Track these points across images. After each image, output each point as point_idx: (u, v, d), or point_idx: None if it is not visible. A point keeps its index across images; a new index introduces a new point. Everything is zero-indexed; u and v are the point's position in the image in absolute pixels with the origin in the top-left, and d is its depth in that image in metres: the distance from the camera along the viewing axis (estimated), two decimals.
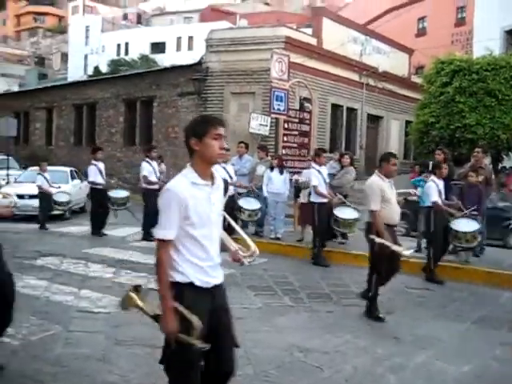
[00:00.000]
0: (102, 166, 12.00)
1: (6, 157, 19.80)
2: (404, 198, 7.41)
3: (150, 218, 10.53)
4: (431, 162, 9.84)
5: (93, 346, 4.89)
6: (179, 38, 44.62)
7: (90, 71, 43.37)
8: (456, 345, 5.44)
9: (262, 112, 17.69)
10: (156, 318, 2.98)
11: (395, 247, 5.90)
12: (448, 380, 4.53)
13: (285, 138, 12.92)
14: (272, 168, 10.69)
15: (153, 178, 10.98)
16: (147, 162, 11.13)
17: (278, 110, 12.59)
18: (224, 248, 3.22)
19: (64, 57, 54.50)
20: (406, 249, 6.27)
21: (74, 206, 15.86)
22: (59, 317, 5.64)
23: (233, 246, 3.35)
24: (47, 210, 12.78)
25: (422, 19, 34.67)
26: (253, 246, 3.38)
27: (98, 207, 11.62)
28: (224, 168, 9.44)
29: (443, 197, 8.30)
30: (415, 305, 6.49)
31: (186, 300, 2.88)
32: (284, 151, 12.70)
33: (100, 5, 61.94)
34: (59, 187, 13.60)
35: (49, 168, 13.57)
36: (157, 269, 2.91)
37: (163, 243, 2.90)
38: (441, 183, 8.30)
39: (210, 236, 2.99)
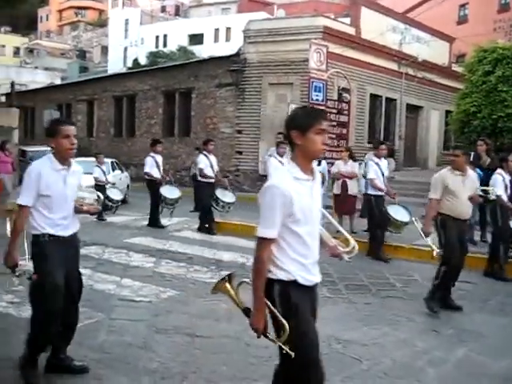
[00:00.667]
0: (159, 159, 11.71)
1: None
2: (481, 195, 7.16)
3: (204, 210, 10.94)
4: (473, 153, 9.61)
5: (134, 333, 5.01)
6: (217, 30, 44.72)
7: (130, 63, 43.97)
8: (498, 339, 5.35)
9: (300, 102, 17.64)
10: (244, 310, 3.00)
11: (429, 241, 6.11)
12: (489, 374, 4.47)
13: None
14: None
15: (208, 172, 10.84)
16: (204, 154, 11.02)
17: (317, 100, 12.57)
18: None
19: (104, 50, 55.40)
20: (437, 248, 6.24)
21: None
22: (102, 305, 5.79)
23: (331, 241, 3.26)
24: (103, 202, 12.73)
25: (463, 6, 33.82)
26: (352, 241, 3.29)
27: (156, 198, 11.39)
28: (280, 162, 9.67)
29: (509, 192, 7.92)
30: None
31: (292, 298, 2.83)
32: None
33: None
34: (114, 184, 13.65)
35: (90, 159, 13.77)
36: (256, 266, 2.86)
37: (265, 241, 2.81)
38: (507, 177, 7.93)
39: (312, 232, 2.92)
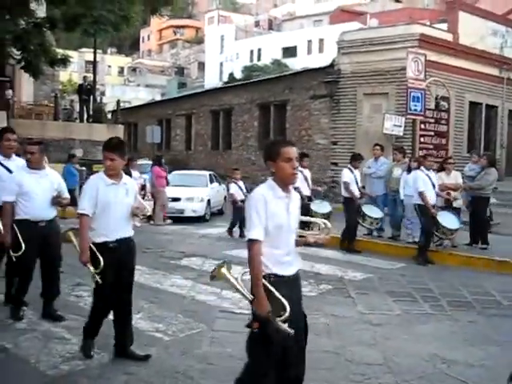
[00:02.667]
0: (307, 173, 11.06)
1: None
2: None
3: (350, 229, 10.31)
4: None
5: (235, 345, 5.09)
6: (310, 42, 44.92)
7: (225, 78, 45.12)
8: None
9: (396, 112, 17.32)
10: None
11: None
12: None
13: (421, 139, 12.57)
14: (409, 170, 10.43)
15: (353, 187, 10.32)
16: (349, 168, 10.51)
17: (415, 110, 12.31)
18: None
19: (201, 65, 57.28)
20: None
21: (213, 208, 16.63)
22: (204, 316, 5.96)
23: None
24: (237, 220, 11.98)
25: None
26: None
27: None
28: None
29: None
30: None
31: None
32: (421, 153, 12.34)
33: (233, 14, 64.20)
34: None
35: (188, 172, 14.15)
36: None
37: None
38: None
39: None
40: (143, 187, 14.04)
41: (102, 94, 43.03)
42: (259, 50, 47.96)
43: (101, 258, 4.38)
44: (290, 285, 3.34)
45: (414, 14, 35.59)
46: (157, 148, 26.48)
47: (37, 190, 5.34)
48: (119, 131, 21.01)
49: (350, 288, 7.37)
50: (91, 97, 21.18)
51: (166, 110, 32.43)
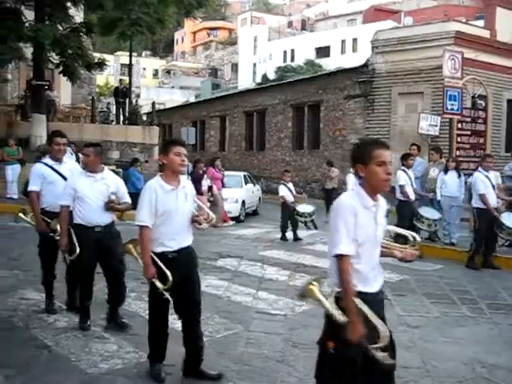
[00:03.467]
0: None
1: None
2: None
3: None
4: None
5: (271, 346, 5.12)
6: (343, 41, 44.65)
7: (259, 79, 45.23)
8: None
9: (431, 112, 17.07)
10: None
11: None
12: None
13: (458, 139, 12.37)
14: (446, 170, 10.27)
15: (408, 189, 9.75)
16: (403, 170, 9.88)
17: (452, 109, 12.12)
18: None
19: (234, 67, 57.51)
20: None
21: (247, 209, 16.67)
22: (240, 317, 5.98)
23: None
24: (286, 221, 11.58)
25: None
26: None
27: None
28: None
29: None
30: None
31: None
32: (458, 152, 12.15)
33: (266, 15, 64.27)
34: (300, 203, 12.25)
35: (234, 173, 13.79)
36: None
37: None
38: None
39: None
40: (210, 188, 13.66)
41: (138, 96, 43.53)
42: (292, 50, 47.90)
43: (169, 274, 4.06)
44: (374, 303, 3.02)
45: (449, 10, 35.07)
46: (192, 149, 26.68)
47: (90, 194, 5.17)
48: (154, 133, 21.26)
49: (386, 290, 7.27)
50: (127, 99, 21.49)
51: (200, 112, 32.69)
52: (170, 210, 4.11)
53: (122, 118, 21.41)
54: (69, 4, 16.02)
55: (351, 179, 10.35)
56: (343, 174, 15.83)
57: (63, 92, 23.99)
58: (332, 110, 22.83)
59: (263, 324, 5.77)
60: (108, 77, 50.42)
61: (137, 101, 26.39)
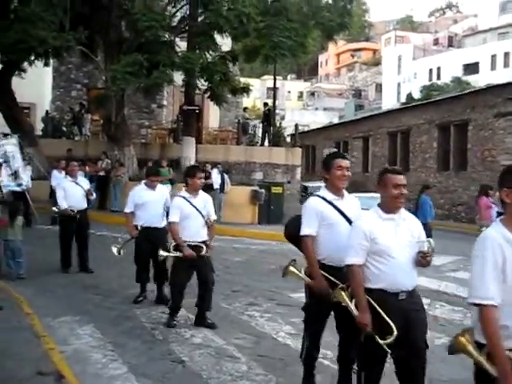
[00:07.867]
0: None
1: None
2: None
3: None
4: None
5: None
6: (494, 56, 42.16)
7: (403, 99, 44.13)
8: None
9: None
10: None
11: None
12: None
13: None
14: None
15: None
16: None
17: None
18: None
19: (378, 87, 56.82)
20: None
21: None
22: None
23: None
24: None
25: None
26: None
27: None
28: None
29: None
30: None
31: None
32: None
33: (411, 33, 62.74)
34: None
35: (367, 195, 13.36)
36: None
37: None
38: None
39: None
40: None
41: (282, 118, 44.57)
42: (438, 68, 46.19)
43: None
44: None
45: None
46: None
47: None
48: (297, 154, 21.60)
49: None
50: (271, 121, 22.10)
51: (343, 133, 32.68)
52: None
53: (266, 139, 22.04)
54: (215, 34, 17.04)
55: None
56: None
57: (212, 116, 25.35)
58: (480, 130, 21.58)
59: None
60: (255, 100, 52.22)
61: (280, 123, 27.05)
